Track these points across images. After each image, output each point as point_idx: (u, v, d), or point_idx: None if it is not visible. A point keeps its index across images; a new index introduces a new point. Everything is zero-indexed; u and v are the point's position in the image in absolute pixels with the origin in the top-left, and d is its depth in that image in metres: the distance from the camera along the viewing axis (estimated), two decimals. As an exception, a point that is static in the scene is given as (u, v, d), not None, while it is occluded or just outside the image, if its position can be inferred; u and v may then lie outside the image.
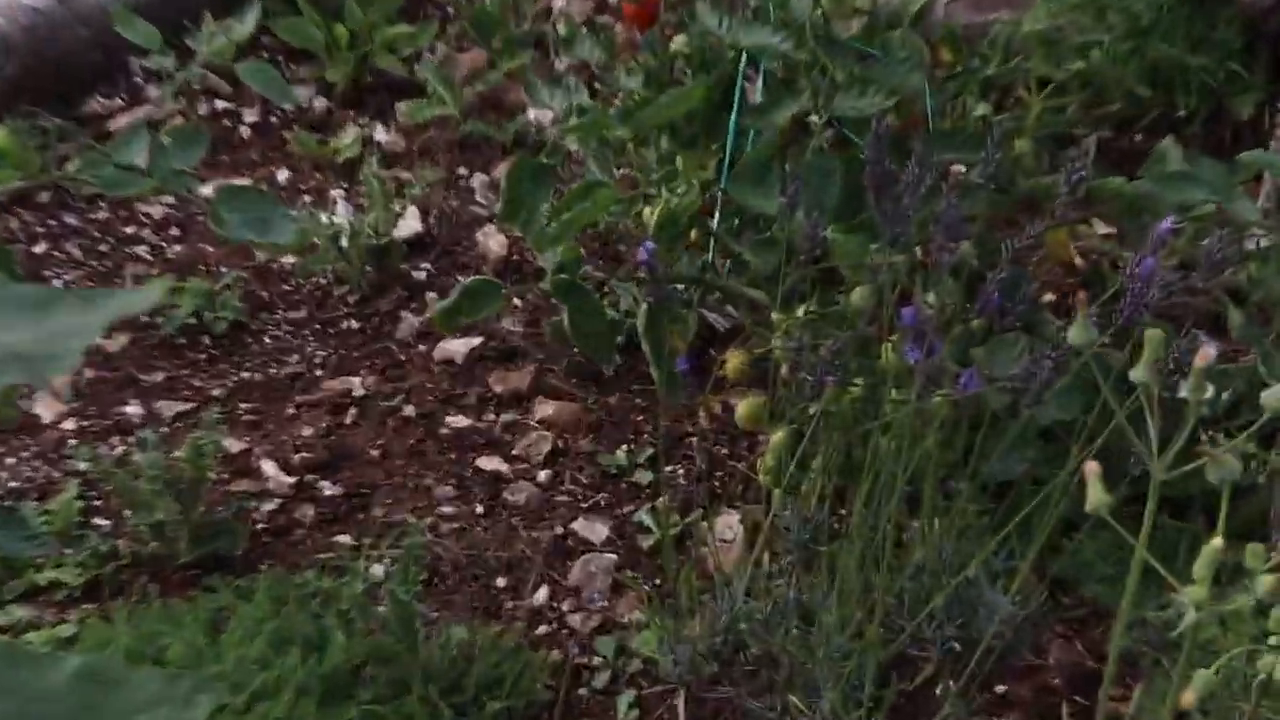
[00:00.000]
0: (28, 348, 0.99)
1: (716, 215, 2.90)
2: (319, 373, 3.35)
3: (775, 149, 2.70)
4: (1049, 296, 3.37)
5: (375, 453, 3.18)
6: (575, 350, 3.23)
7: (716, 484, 3.07)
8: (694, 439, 3.16)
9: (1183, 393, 1.51)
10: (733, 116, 2.86)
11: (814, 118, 2.72)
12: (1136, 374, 1.49)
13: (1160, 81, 3.61)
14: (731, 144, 2.88)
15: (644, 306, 2.70)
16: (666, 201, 2.64)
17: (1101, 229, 3.37)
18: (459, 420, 3.24)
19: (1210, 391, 1.48)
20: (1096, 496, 1.49)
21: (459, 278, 3.49)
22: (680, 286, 2.96)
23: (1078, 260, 3.40)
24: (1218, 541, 1.52)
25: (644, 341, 2.72)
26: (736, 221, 2.88)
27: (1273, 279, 2.70)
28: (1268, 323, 2.75)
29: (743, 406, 2.84)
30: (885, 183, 2.27)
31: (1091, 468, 1.49)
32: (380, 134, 3.86)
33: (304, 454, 3.15)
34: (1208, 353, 1.45)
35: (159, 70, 3.81)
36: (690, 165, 2.73)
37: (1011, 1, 3.84)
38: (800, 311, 2.56)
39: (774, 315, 2.74)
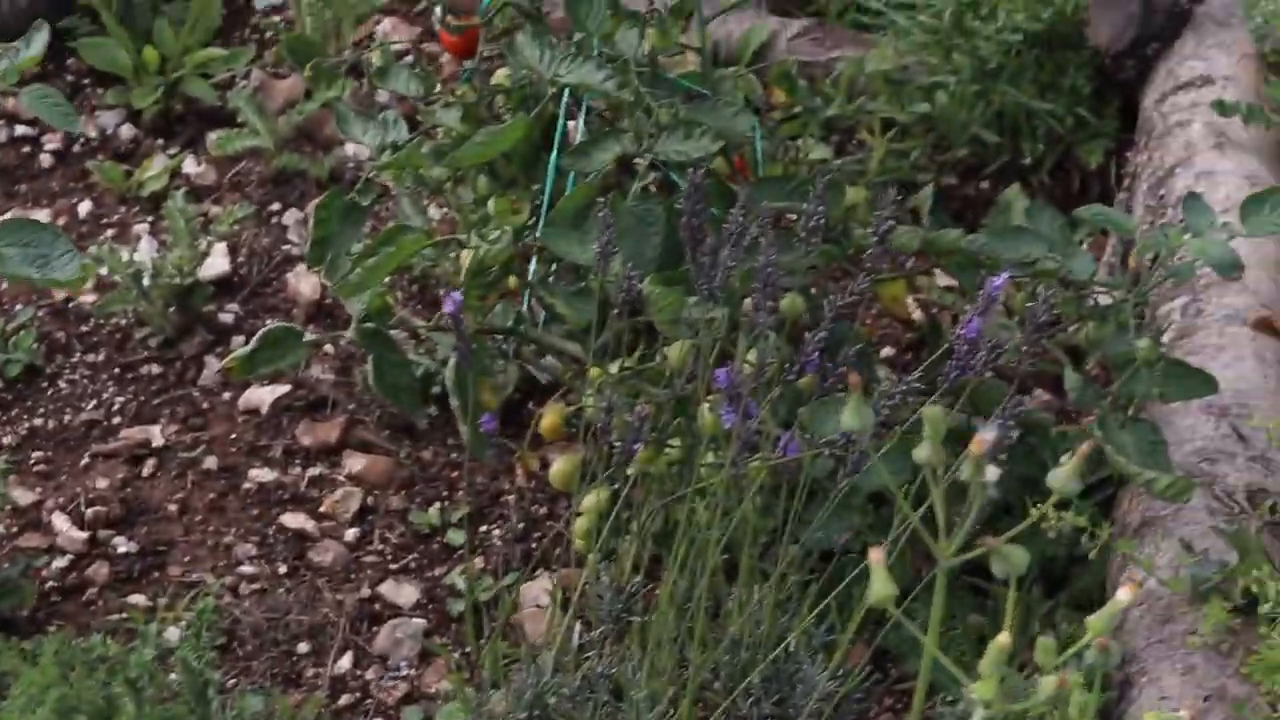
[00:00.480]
0: None
1: (533, 262, 2.75)
2: (117, 420, 3.17)
3: (595, 193, 2.55)
4: (887, 351, 3.25)
5: (174, 507, 3.03)
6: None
7: (534, 545, 2.92)
8: (511, 498, 3.02)
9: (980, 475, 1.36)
10: (553, 157, 2.71)
11: (638, 160, 2.57)
12: (918, 454, 1.35)
13: (1007, 127, 3.51)
14: (551, 186, 2.73)
15: (451, 361, 2.55)
16: (477, 249, 2.48)
17: (944, 279, 3.25)
18: (263, 474, 3.08)
19: (994, 474, 1.34)
20: (880, 590, 1.34)
21: (268, 321, 3.32)
22: (495, 338, 2.81)
23: (916, 314, 3.28)
24: (1004, 638, 1.38)
25: (452, 397, 2.57)
26: (554, 268, 2.73)
27: (1110, 340, 2.59)
28: (1108, 383, 2.65)
29: (557, 466, 2.71)
30: (701, 236, 2.15)
31: (876, 557, 1.34)
32: (190, 165, 3.67)
33: (98, 508, 3.00)
34: (983, 439, 1.31)
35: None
36: (503, 209, 2.58)
37: (856, 39, 3.72)
38: (615, 368, 2.42)
39: (592, 370, 2.60)
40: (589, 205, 2.56)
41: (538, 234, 2.54)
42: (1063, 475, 1.40)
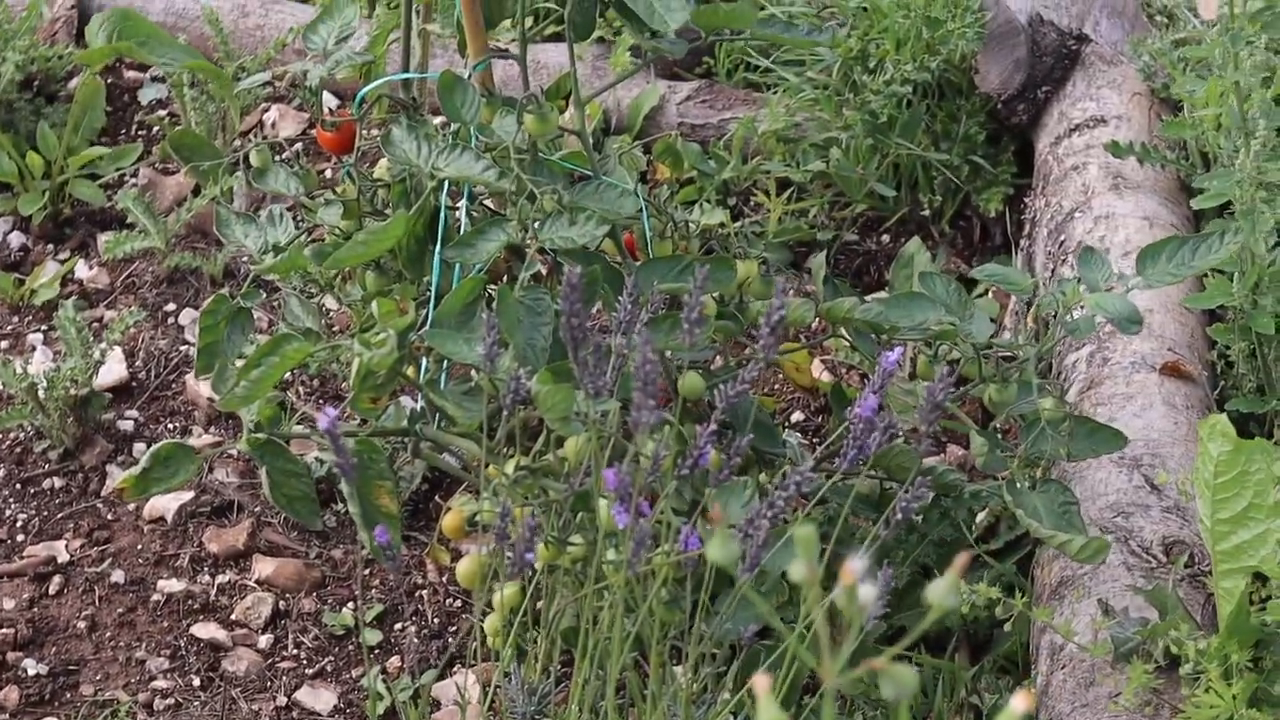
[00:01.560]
0: None
1: (423, 362, 2.70)
2: (20, 538, 3.11)
3: (480, 287, 2.51)
4: (797, 416, 3.22)
5: (83, 624, 2.97)
6: (291, 503, 3.02)
7: (449, 640, 2.88)
8: (424, 593, 2.98)
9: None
10: (438, 252, 2.67)
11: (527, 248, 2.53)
12: (794, 573, 1.31)
13: (904, 179, 3.48)
14: (438, 280, 2.68)
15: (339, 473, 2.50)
16: (362, 356, 2.43)
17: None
18: (172, 584, 3.02)
19: (870, 595, 1.30)
20: (768, 717, 1.29)
21: (169, 425, 3.26)
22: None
23: (824, 375, 3.25)
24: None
25: (350, 505, 2.52)
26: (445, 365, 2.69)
27: (1015, 401, 2.56)
28: (1015, 444, 2.62)
29: (463, 565, 2.67)
30: (581, 335, 2.10)
31: (761, 684, 1.29)
32: (82, 270, 3.61)
33: (5, 630, 2.93)
34: (851, 569, 1.27)
35: None
36: (388, 310, 2.53)
37: (747, 99, 3.69)
38: (511, 467, 2.38)
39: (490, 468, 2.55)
40: (475, 300, 2.52)
41: (424, 334, 2.49)
42: (940, 590, 1.35)
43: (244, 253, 3.56)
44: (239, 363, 2.74)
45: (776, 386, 3.27)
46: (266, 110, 3.98)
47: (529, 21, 3.01)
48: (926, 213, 3.48)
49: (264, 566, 3.03)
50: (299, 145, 3.71)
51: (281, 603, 2.99)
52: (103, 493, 3.16)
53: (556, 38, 3.53)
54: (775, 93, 3.61)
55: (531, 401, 2.31)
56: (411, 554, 3.04)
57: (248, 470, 3.15)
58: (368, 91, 2.83)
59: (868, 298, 2.89)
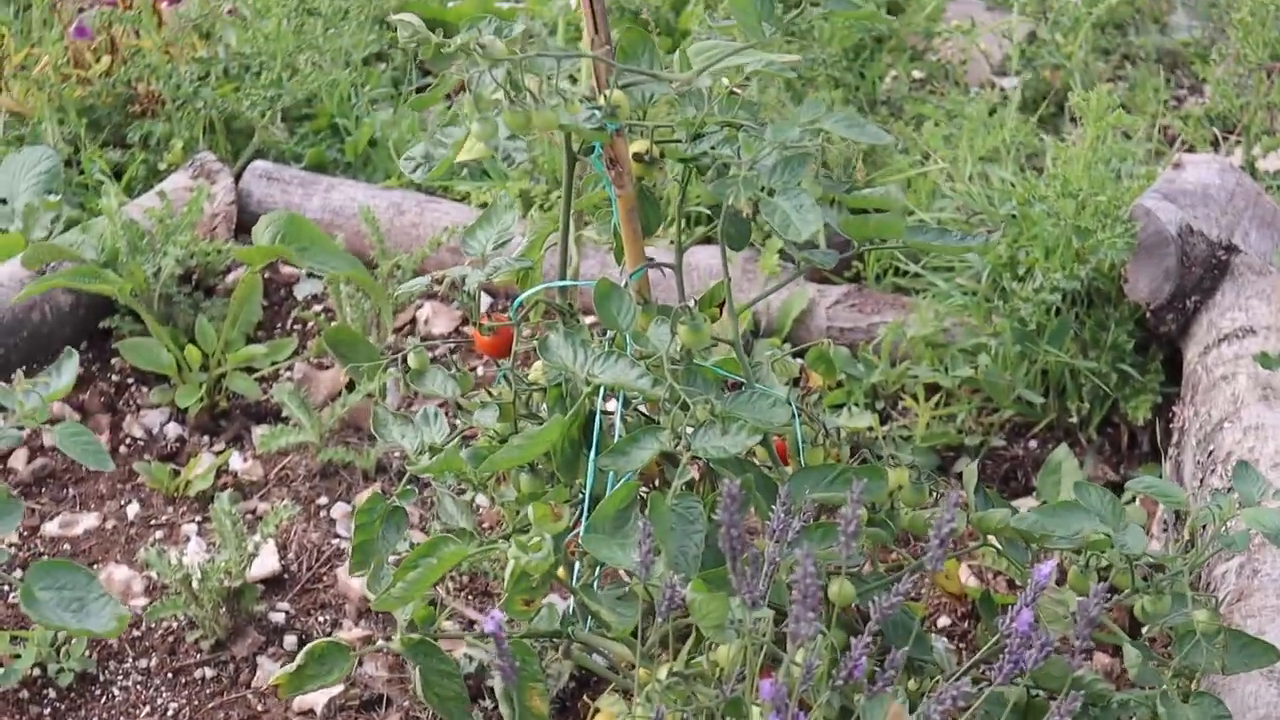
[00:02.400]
0: None
1: (576, 566, 2.73)
2: (171, 727, 3.13)
3: (635, 493, 2.53)
4: (944, 621, 3.21)
5: (234, 814, 2.99)
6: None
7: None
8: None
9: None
10: (592, 456, 2.70)
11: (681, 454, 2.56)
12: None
13: (1052, 386, 3.49)
14: (592, 483, 2.71)
15: (497, 674, 2.52)
16: (517, 560, 2.46)
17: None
18: (320, 778, 3.03)
19: None
20: None
21: (319, 618, 3.29)
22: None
23: (970, 581, 3.24)
24: None
25: (501, 705, 2.54)
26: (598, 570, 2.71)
27: (1167, 614, 2.55)
28: (1167, 644, 2.61)
29: (615, 770, 2.67)
30: (740, 546, 2.12)
31: None
32: (236, 461, 3.67)
33: (156, 818, 2.95)
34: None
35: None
36: (543, 515, 2.55)
37: (896, 303, 3.71)
38: (663, 672, 2.39)
39: (640, 671, 2.57)
40: (629, 505, 2.54)
41: (579, 538, 2.52)
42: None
43: (397, 447, 3.62)
44: (392, 559, 2.79)
45: (923, 591, 3.26)
46: (420, 307, 4.04)
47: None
48: (1074, 419, 3.48)
49: (412, 761, 3.04)
50: (451, 343, 3.77)
51: (428, 798, 2.99)
52: (253, 684, 3.17)
53: (707, 240, 3.58)
54: (924, 297, 3.63)
55: (686, 608, 2.33)
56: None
57: (397, 664, 3.16)
58: (526, 298, 2.88)
59: (1014, 503, 2.88)
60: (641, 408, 2.87)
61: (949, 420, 3.53)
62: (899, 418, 3.59)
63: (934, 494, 2.78)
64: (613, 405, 2.78)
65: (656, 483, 2.86)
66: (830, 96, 4.11)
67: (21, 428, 2.24)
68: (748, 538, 2.33)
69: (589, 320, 3.28)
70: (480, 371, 3.86)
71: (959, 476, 3.30)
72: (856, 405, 3.46)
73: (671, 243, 2.77)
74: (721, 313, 2.81)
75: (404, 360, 2.87)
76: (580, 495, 2.75)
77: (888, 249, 2.86)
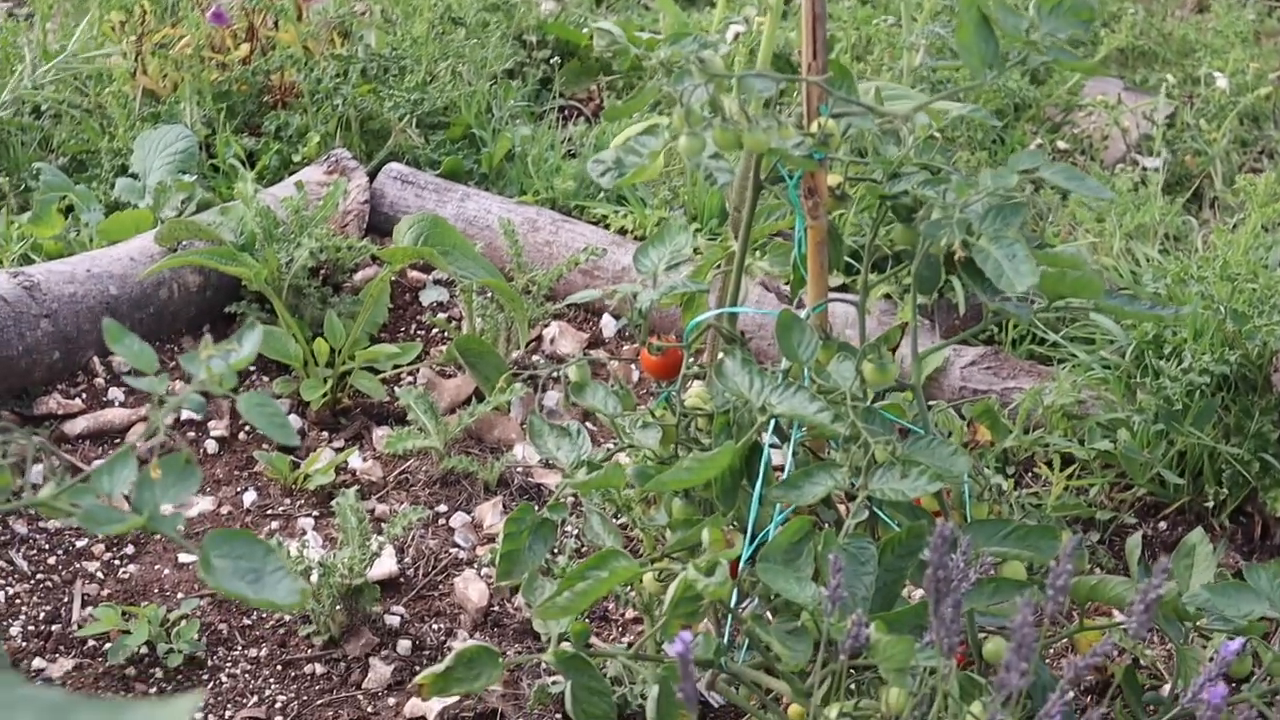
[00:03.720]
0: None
1: (739, 595, 2.69)
2: (278, 719, 3.08)
3: (809, 526, 2.51)
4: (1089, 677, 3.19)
5: (335, 815, 2.95)
6: (560, 716, 2.99)
7: None
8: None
9: None
10: (757, 487, 2.67)
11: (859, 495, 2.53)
12: None
13: (1190, 468, 3.45)
14: (756, 513, 2.68)
15: (654, 692, 2.48)
16: (687, 578, 2.42)
17: (1117, 615, 3.21)
18: (426, 786, 2.99)
19: None
20: None
21: (434, 625, 3.25)
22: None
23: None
24: None
25: (651, 727, 2.50)
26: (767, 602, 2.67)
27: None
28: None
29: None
30: (947, 589, 2.09)
31: None
32: (356, 460, 3.63)
33: (259, 810, 2.92)
34: None
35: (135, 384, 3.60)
36: (717, 540, 2.52)
37: (1032, 370, 3.68)
38: (835, 712, 2.35)
39: (793, 708, 2.53)
40: (803, 539, 2.52)
41: (754, 569, 2.49)
42: None
43: (519, 462, 3.59)
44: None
45: (1046, 662, 3.22)
46: (547, 325, 4.02)
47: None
48: (1209, 504, 3.44)
49: (525, 779, 3.00)
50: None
51: (545, 818, 2.95)
52: (364, 685, 3.13)
53: (843, 288, 3.55)
54: (1063, 368, 3.60)
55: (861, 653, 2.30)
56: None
57: (510, 680, 3.12)
58: (700, 321, 2.85)
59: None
60: (805, 443, 2.84)
61: (1081, 493, 3.49)
62: (1030, 484, 3.56)
63: (1091, 566, 2.75)
64: (768, 438, 2.75)
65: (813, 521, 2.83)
66: (975, 157, 4.09)
67: (206, 394, 2.18)
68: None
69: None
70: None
71: (1092, 550, 3.27)
72: (989, 468, 3.42)
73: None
74: (893, 354, 2.78)
75: (533, 377, 2.84)
76: (735, 526, 2.73)
77: (1077, 310, 2.81)
